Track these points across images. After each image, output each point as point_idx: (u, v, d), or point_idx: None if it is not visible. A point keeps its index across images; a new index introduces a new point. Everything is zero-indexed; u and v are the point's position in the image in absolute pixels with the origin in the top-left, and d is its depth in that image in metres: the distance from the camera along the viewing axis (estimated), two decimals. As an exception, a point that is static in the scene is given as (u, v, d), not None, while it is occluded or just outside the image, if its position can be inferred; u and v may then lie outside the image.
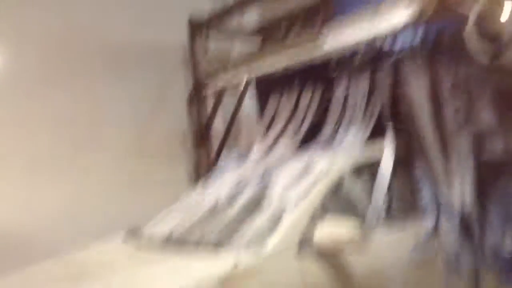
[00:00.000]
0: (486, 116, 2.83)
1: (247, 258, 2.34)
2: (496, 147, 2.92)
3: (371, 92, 3.32)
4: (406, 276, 2.62)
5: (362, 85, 3.38)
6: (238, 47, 5.16)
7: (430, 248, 2.76)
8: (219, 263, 2.37)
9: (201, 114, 4.89)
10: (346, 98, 3.48)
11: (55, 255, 2.92)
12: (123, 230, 3.33)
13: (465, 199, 2.93)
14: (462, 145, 2.97)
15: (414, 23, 2.83)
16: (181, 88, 5.14)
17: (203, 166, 4.79)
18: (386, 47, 3.22)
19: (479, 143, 2.92)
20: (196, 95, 4.82)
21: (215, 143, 5.06)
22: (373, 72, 3.31)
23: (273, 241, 2.43)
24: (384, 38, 3.06)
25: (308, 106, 3.68)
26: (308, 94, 3.72)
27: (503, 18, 2.54)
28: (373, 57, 3.24)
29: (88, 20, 4.73)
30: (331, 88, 3.59)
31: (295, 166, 3.03)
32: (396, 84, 3.19)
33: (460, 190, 2.95)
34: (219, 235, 2.68)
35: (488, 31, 2.62)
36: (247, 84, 4.68)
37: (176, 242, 2.79)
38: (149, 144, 5.06)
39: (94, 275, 2.45)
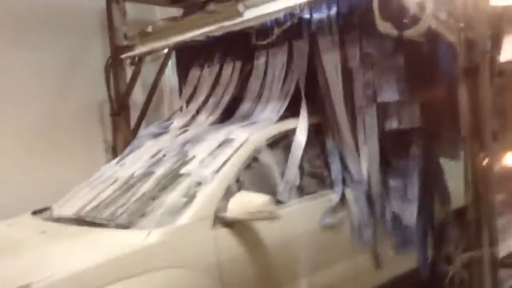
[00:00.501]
0: (394, 88, 3.01)
1: (160, 230, 2.37)
2: (403, 117, 3.13)
3: (289, 65, 3.41)
4: (316, 241, 2.78)
5: (280, 57, 3.46)
6: (159, 14, 5.05)
7: (338, 215, 2.94)
8: (132, 237, 2.39)
9: (119, 83, 4.75)
10: (265, 71, 3.55)
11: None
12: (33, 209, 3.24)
13: (370, 170, 3.15)
14: (370, 117, 3.15)
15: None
16: (98, 55, 4.95)
17: (122, 137, 4.70)
18: (303, 20, 3.31)
19: (385, 114, 3.12)
20: (114, 63, 4.67)
21: (134, 113, 4.97)
22: (291, 45, 3.40)
23: (187, 214, 2.47)
24: (301, 9, 3.13)
25: (229, 79, 3.70)
26: (229, 67, 3.73)
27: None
28: (291, 29, 3.30)
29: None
30: (251, 61, 3.64)
31: (213, 140, 3.06)
32: (312, 57, 3.30)
33: (366, 161, 3.16)
34: (132, 210, 2.65)
35: (394, 5, 2.75)
36: (168, 52, 4.62)
37: (86, 220, 2.74)
38: (64, 115, 4.83)
39: (4, 250, 2.37)
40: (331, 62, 3.21)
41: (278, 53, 3.47)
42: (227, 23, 3.32)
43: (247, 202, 2.48)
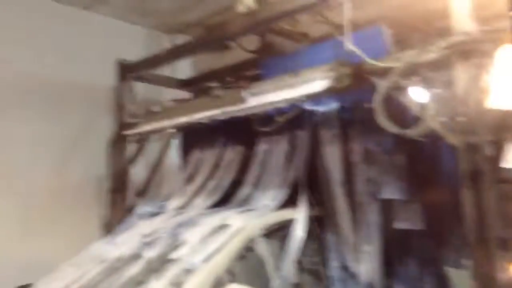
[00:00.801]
0: (397, 185, 2.96)
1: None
2: (405, 216, 3.04)
3: (290, 154, 3.40)
4: None
5: (282, 145, 3.47)
6: (167, 96, 5.17)
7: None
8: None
9: (121, 159, 4.76)
10: (266, 158, 3.54)
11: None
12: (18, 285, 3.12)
13: (372, 269, 3.01)
14: (371, 214, 3.07)
15: (330, 91, 2.95)
16: (105, 131, 5.02)
17: (118, 214, 4.62)
18: (305, 112, 3.34)
19: (388, 212, 3.04)
20: (118, 139, 4.71)
21: (134, 191, 4.93)
22: (293, 134, 3.42)
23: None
24: (303, 102, 3.17)
25: (230, 163, 3.69)
26: (230, 151, 3.74)
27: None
28: (293, 120, 3.33)
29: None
30: (253, 147, 3.65)
31: (207, 224, 2.98)
32: (314, 149, 3.29)
33: (368, 260, 3.03)
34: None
35: (396, 103, 2.77)
36: (172, 133, 4.66)
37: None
38: (62, 189, 4.85)
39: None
40: (332, 155, 3.20)
41: (280, 141, 3.49)
42: (230, 109, 3.37)
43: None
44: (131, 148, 4.84)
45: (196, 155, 4.04)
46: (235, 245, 2.72)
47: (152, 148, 4.96)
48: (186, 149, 4.30)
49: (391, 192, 3.02)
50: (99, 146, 4.92)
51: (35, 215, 4.58)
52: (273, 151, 3.50)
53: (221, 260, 2.61)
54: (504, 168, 2.39)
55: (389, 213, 3.05)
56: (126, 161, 4.73)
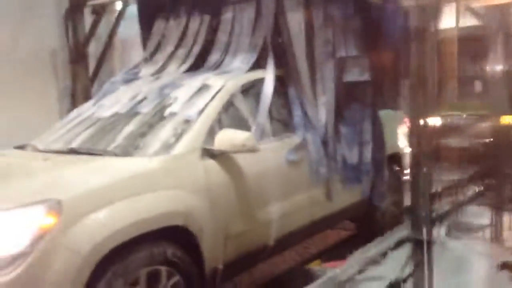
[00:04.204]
0: (350, 45, 3.65)
1: (159, 158, 2.85)
2: (354, 70, 3.78)
3: (256, 20, 3.91)
4: (282, 174, 3.40)
5: (248, 13, 3.94)
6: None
7: (299, 154, 3.57)
8: (135, 163, 2.84)
9: (78, 31, 4.98)
10: (233, 25, 4.02)
11: None
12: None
13: (326, 118, 3.80)
14: (327, 71, 3.78)
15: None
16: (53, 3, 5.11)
17: (80, 85, 4.97)
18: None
19: (341, 69, 3.76)
20: (76, 10, 4.88)
21: (91, 61, 5.23)
22: (259, 2, 3.89)
23: (180, 146, 2.95)
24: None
25: (197, 31, 4.13)
26: (196, 19, 4.15)
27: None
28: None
29: None
30: (218, 15, 4.10)
31: (190, 85, 3.52)
32: (278, 15, 3.82)
33: (323, 110, 3.81)
34: (126, 143, 3.09)
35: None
36: (125, 5, 4.90)
37: (78, 150, 3.14)
38: (18, 63, 5.00)
39: (15, 173, 2.72)
40: (295, 21, 3.77)
41: (246, 9, 3.95)
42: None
43: (231, 137, 3.00)
44: (87, 20, 5.05)
45: (159, 25, 4.39)
46: (220, 100, 3.32)
47: (108, 20, 5.21)
48: (146, 20, 4.60)
49: (345, 51, 3.72)
50: (50, 18, 5.05)
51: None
52: (240, 19, 3.98)
53: (212, 112, 3.22)
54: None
55: (342, 68, 3.78)
56: (85, 32, 4.97)
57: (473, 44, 6.90)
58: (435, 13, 3.13)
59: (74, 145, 3.22)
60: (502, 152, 4.30)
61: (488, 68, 5.35)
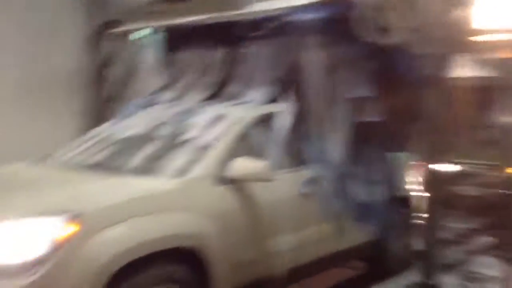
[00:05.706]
0: (366, 86, 3.83)
1: (176, 180, 2.99)
2: (370, 111, 3.95)
3: (275, 56, 4.12)
4: (295, 206, 3.51)
5: (267, 48, 4.16)
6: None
7: (312, 187, 3.69)
8: (152, 183, 2.98)
9: (99, 55, 5.23)
10: (252, 60, 4.23)
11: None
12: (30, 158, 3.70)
13: (339, 154, 3.95)
14: (341, 110, 3.96)
15: (311, 4, 3.66)
16: (77, 27, 5.37)
17: (98, 105, 5.18)
18: (292, 20, 4.03)
19: (356, 109, 3.93)
20: (97, 36, 5.14)
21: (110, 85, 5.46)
22: (279, 40, 4.11)
23: (197, 170, 3.10)
24: (292, 11, 3.85)
25: (218, 63, 4.34)
26: (219, 52, 4.37)
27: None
28: (280, 27, 4.02)
29: None
30: (239, 49, 4.32)
31: (207, 113, 3.71)
32: (296, 54, 4.03)
33: (337, 147, 3.96)
34: (144, 163, 3.25)
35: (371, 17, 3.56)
36: (154, 32, 5.14)
37: (97, 166, 3.30)
38: (35, 82, 5.23)
39: (39, 186, 2.88)
40: (313, 59, 3.96)
41: (265, 45, 4.17)
42: (227, 13, 3.96)
43: (247, 165, 3.15)
44: (107, 45, 5.30)
45: (182, 55, 4.62)
46: (236, 130, 3.48)
47: (132, 46, 5.45)
48: (171, 49, 4.84)
49: (361, 91, 3.90)
50: (70, 41, 5.31)
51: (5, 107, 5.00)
52: (259, 53, 4.19)
53: (229, 140, 3.38)
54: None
55: (358, 108, 3.95)
56: (104, 57, 5.21)
57: (488, 94, 7.08)
58: (451, 61, 3.32)
59: (94, 161, 3.39)
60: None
61: (502, 118, 5.49)
